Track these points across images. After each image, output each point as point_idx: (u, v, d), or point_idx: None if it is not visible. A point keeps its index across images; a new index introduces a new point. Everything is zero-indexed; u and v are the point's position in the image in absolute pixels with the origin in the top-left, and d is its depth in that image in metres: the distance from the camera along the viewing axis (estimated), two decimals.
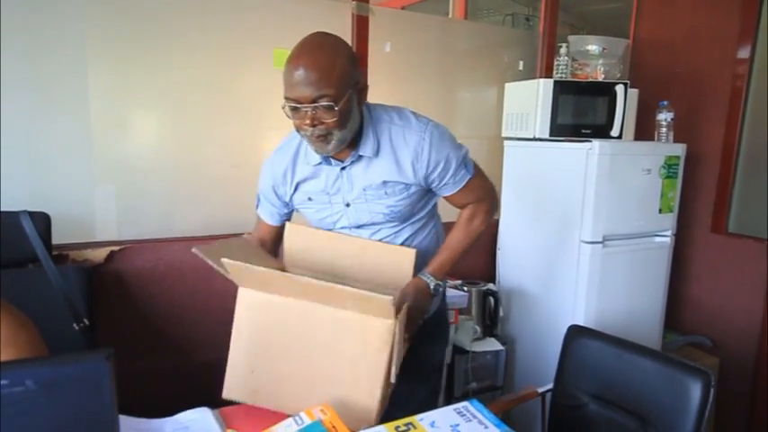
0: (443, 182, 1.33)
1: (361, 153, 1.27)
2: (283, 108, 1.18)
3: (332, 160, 1.29)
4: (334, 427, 1.02)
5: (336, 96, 1.15)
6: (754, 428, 2.34)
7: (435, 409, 1.43)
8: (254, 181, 2.11)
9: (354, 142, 1.27)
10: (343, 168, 1.30)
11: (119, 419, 0.72)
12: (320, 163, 1.31)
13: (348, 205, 1.33)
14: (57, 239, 1.65)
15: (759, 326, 2.35)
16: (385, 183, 1.28)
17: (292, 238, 1.35)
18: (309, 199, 1.36)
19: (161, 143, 2.04)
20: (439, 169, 1.30)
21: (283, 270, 1.30)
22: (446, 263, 1.34)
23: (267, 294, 1.12)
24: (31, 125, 1.77)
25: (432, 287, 1.29)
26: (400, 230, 1.37)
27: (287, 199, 1.40)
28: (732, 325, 2.52)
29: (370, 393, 1.08)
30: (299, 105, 1.15)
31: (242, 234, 1.51)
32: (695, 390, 1.41)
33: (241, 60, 2.10)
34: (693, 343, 2.63)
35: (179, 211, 2.05)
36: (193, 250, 1.08)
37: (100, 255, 1.78)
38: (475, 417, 1.01)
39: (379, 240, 1.35)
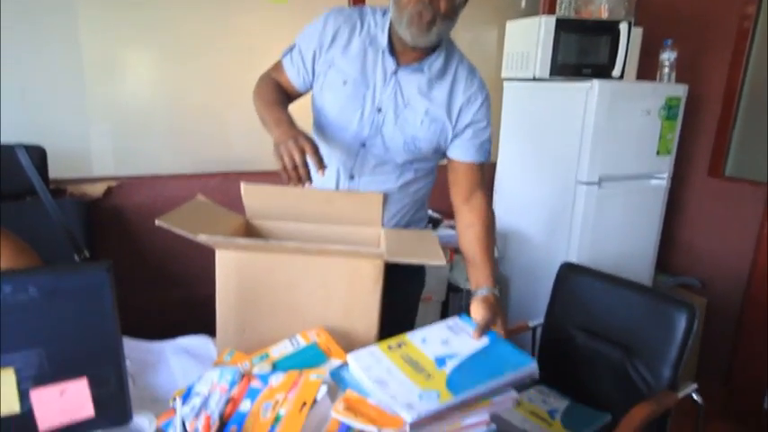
0: (468, 141, 1.30)
1: (426, 66, 1.23)
2: None
3: (393, 55, 1.23)
4: (329, 349, 1.06)
5: None
6: (736, 367, 2.42)
7: None
8: (249, 119, 2.10)
9: (424, 53, 1.22)
10: (396, 72, 1.24)
11: (120, 333, 0.75)
12: (380, 50, 1.23)
13: (380, 111, 1.25)
14: (53, 174, 1.66)
15: (748, 268, 2.40)
16: (428, 112, 1.25)
17: (251, 199, 1.24)
18: (344, 83, 1.25)
19: (156, 80, 2.01)
20: (474, 129, 1.28)
21: (248, 223, 1.26)
22: (492, 269, 1.25)
23: (249, 253, 1.08)
24: (21, 58, 1.74)
25: (497, 296, 1.21)
26: (402, 173, 1.33)
27: (317, 67, 1.28)
28: (721, 267, 2.57)
29: (366, 334, 1.10)
30: None
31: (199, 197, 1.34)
32: (680, 321, 1.46)
33: None
34: (683, 284, 2.68)
35: (175, 147, 2.05)
36: (157, 222, 1.03)
37: (98, 190, 1.79)
38: (463, 330, 1.04)
39: (379, 178, 1.32)
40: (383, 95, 1.25)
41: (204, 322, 1.26)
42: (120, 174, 1.91)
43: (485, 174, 1.35)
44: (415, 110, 1.25)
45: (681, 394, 1.45)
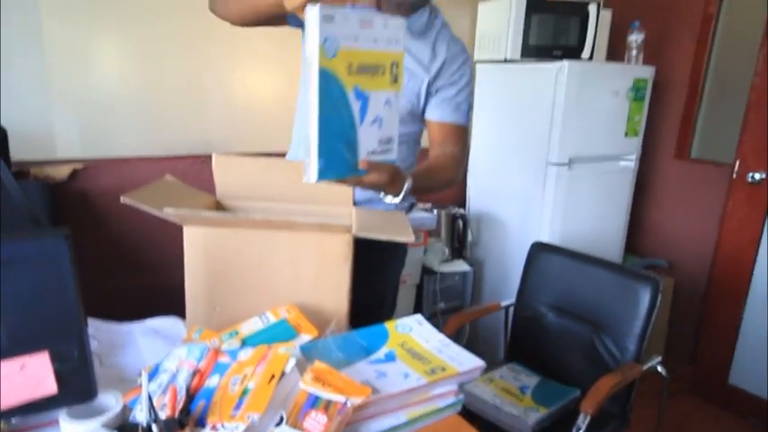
0: (445, 100, 1.28)
1: (409, 24, 1.21)
2: None
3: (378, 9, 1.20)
4: (299, 324, 1.06)
5: None
6: (701, 345, 2.49)
7: None
8: (224, 101, 2.07)
9: (408, 10, 1.22)
10: None
11: (83, 306, 0.73)
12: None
13: None
14: (13, 156, 1.60)
15: (713, 248, 2.46)
16: (407, 67, 1.21)
17: (221, 171, 1.25)
18: None
19: (125, 60, 1.95)
20: (453, 87, 1.27)
21: (218, 203, 1.26)
22: (422, 175, 1.17)
23: (216, 228, 1.08)
24: None
25: (406, 186, 1.05)
26: None
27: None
28: (688, 248, 2.64)
29: (336, 310, 1.11)
30: None
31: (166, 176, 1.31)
32: (644, 295, 1.50)
33: None
34: (651, 266, 2.75)
35: (145, 129, 1.99)
36: (122, 200, 1.02)
37: (62, 172, 1.74)
38: None
39: None
40: None
41: (175, 308, 1.24)
42: (86, 156, 1.85)
43: (465, 139, 1.33)
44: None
45: (646, 366, 1.49)
